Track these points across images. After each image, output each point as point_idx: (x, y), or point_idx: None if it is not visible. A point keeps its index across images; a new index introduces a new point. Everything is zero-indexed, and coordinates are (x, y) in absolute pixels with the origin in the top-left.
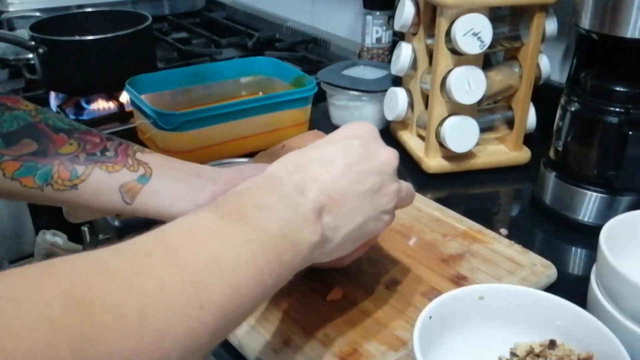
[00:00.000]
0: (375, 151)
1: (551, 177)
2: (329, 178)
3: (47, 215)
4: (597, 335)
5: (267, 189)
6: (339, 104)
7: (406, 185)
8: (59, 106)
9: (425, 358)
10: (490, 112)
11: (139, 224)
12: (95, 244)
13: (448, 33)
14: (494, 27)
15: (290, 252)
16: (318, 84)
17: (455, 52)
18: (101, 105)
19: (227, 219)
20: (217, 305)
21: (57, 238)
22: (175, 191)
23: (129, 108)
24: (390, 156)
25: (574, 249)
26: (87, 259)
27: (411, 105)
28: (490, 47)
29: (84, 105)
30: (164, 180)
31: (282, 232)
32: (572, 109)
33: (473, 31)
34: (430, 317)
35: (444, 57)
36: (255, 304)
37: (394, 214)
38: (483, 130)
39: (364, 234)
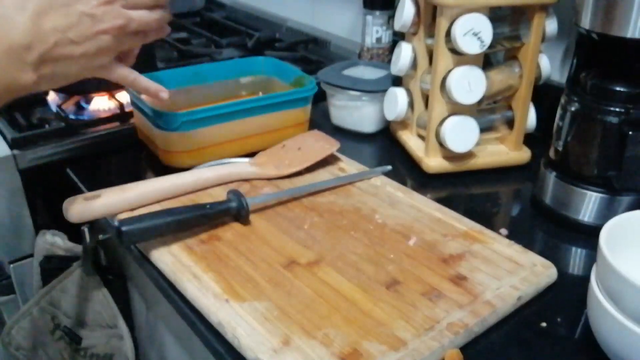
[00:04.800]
0: None
1: (551, 177)
2: None
3: (47, 215)
4: None
5: None
6: (339, 104)
7: None
8: (58, 106)
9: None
10: (490, 112)
11: (140, 223)
12: (95, 243)
13: (448, 33)
14: (494, 27)
15: None
16: (318, 84)
17: (455, 52)
18: (101, 105)
19: None
20: None
21: (57, 238)
22: None
23: (128, 108)
24: None
25: (574, 249)
26: None
27: (411, 105)
28: (490, 47)
29: (84, 105)
30: None
31: None
32: (572, 108)
33: (473, 31)
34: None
35: (444, 57)
36: None
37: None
38: (483, 130)
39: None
